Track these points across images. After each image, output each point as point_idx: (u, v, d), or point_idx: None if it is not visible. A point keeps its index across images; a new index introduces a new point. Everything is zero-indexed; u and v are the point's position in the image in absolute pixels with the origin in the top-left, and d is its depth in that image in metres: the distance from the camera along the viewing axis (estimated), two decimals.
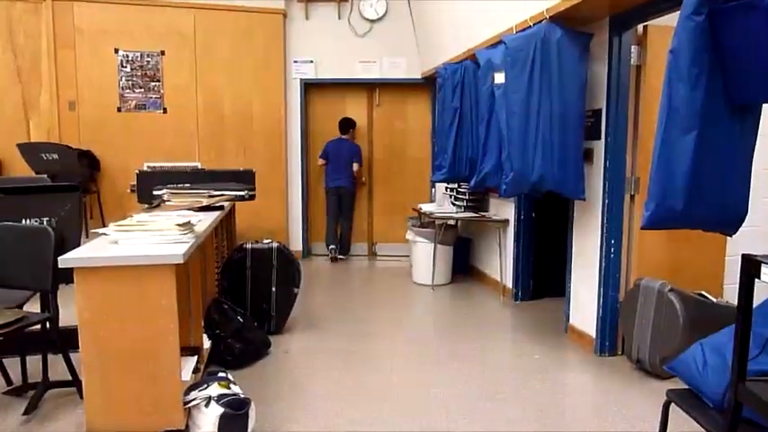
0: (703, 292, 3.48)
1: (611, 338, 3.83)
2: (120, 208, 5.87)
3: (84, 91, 6.16)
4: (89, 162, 6.09)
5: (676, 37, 2.17)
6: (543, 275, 5.28)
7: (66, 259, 2.34)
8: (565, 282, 4.27)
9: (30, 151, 5.22)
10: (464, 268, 6.28)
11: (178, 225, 2.66)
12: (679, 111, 2.17)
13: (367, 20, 6.85)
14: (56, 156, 5.20)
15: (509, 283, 5.34)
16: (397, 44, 6.89)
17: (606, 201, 3.74)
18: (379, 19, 6.85)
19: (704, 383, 2.07)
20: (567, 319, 4.24)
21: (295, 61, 6.86)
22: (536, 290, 5.29)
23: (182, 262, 2.42)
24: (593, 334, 3.89)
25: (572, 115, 3.63)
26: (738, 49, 2.07)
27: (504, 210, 5.46)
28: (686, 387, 2.20)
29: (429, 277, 5.70)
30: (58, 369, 3.06)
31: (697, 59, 2.13)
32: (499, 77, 3.93)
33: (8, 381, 3.15)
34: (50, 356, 3.09)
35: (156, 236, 2.61)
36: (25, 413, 2.82)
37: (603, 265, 3.79)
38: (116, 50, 6.18)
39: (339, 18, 6.85)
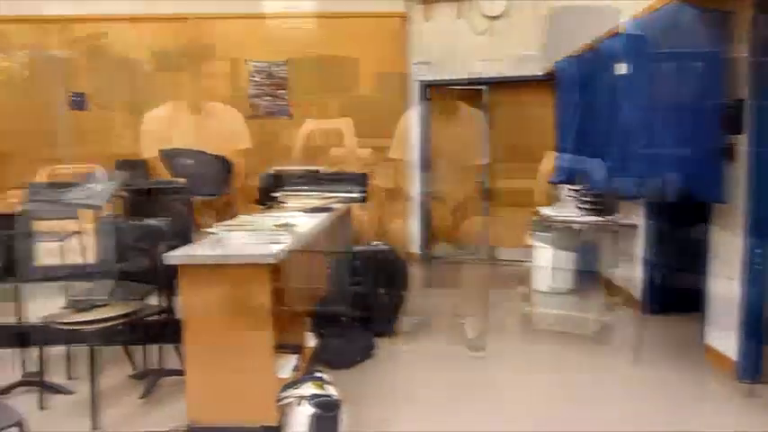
0: None
1: (756, 362, 3.31)
2: (249, 210, 6.22)
3: (220, 100, 6.62)
4: (223, 167, 6.53)
5: None
6: (678, 287, 4.72)
7: (170, 256, 2.49)
8: (702, 295, 3.78)
9: (169, 157, 5.71)
10: (589, 275, 5.82)
11: (276, 225, 2.74)
12: None
13: (487, 17, 6.64)
14: (191, 161, 5.63)
15: (638, 294, 4.86)
16: (517, 41, 6.59)
17: (751, 204, 3.25)
18: (499, 16, 6.61)
19: None
20: (704, 338, 3.75)
21: (415, 63, 6.84)
22: (670, 303, 4.74)
23: (274, 261, 2.47)
24: (735, 356, 3.39)
25: (707, 107, 3.19)
26: None
27: (632, 213, 4.98)
28: None
29: (549, 284, 5.37)
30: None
31: None
32: (622, 68, 3.59)
33: (134, 365, 3.45)
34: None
35: (255, 235, 2.71)
36: (142, 397, 3.09)
37: (748, 277, 3.29)
38: (246, 61, 6.59)
39: (458, 17, 6.71)
